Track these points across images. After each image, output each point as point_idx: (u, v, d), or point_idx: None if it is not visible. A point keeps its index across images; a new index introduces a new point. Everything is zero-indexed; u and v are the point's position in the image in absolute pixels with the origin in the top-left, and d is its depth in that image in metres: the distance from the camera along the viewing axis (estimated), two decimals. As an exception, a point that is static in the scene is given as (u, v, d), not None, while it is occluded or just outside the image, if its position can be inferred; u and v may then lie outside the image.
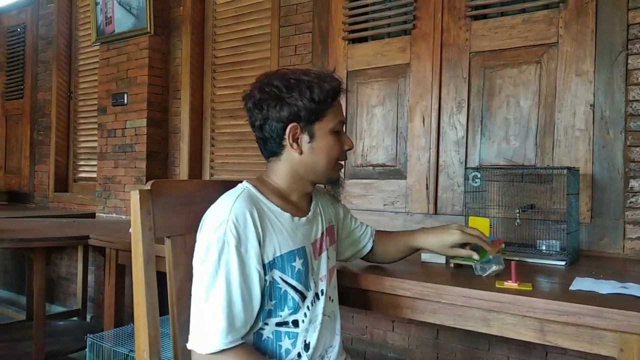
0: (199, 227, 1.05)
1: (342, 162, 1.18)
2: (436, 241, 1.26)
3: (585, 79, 1.84)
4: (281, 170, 1.12)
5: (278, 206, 1.08)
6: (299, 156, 1.10)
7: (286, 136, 1.08)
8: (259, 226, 1.01)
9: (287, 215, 1.08)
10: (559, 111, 1.89)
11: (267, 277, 1.02)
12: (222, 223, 0.98)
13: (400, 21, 2.29)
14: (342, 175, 1.21)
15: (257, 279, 1.00)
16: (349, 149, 1.16)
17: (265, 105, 1.06)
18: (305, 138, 1.09)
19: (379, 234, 1.39)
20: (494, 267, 1.28)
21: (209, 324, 0.95)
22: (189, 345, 0.98)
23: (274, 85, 1.06)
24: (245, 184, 1.10)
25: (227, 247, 0.97)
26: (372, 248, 1.36)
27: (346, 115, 2.43)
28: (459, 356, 2.08)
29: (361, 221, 1.38)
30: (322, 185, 1.24)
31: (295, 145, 1.08)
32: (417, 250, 1.33)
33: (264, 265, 1.01)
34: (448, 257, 1.44)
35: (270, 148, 1.11)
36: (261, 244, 1.01)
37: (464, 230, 1.25)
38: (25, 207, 3.92)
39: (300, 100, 1.05)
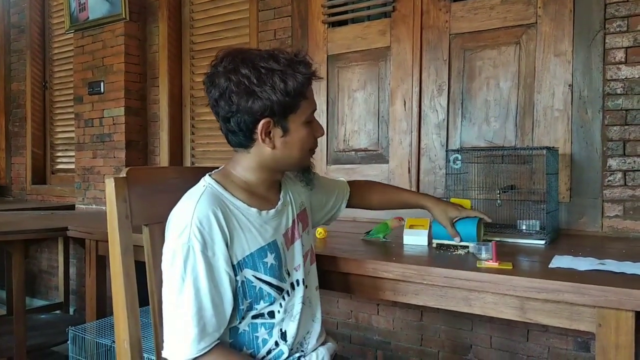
0: (166, 229, 1.01)
1: (314, 150, 1.13)
2: (441, 209, 1.36)
3: (564, 59, 1.84)
4: (249, 163, 1.06)
5: (244, 202, 1.03)
6: (270, 150, 1.02)
7: (257, 131, 0.99)
8: (224, 227, 0.96)
9: (254, 210, 1.03)
10: (538, 92, 1.90)
11: (238, 278, 0.99)
12: (185, 228, 0.94)
13: (379, 3, 2.26)
14: (312, 160, 1.16)
15: (227, 282, 0.96)
16: (321, 136, 1.10)
17: (235, 97, 0.97)
18: (278, 132, 1.01)
19: (367, 188, 1.44)
20: (484, 255, 1.28)
21: (180, 332, 0.93)
22: (164, 354, 0.97)
23: (243, 74, 0.96)
24: (207, 179, 1.04)
25: (192, 252, 0.93)
26: (348, 202, 1.40)
27: (327, 100, 2.41)
28: (443, 337, 2.11)
29: (334, 180, 1.40)
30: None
31: (267, 140, 1.01)
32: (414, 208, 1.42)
33: (233, 266, 0.98)
34: (433, 237, 1.47)
35: (238, 140, 1.03)
36: (228, 245, 0.97)
37: (468, 208, 1.37)
38: (2, 201, 3.83)
39: (274, 94, 0.96)
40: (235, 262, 0.99)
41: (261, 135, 1.00)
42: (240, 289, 1.00)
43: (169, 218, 1.00)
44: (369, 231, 1.63)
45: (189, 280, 0.93)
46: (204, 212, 0.95)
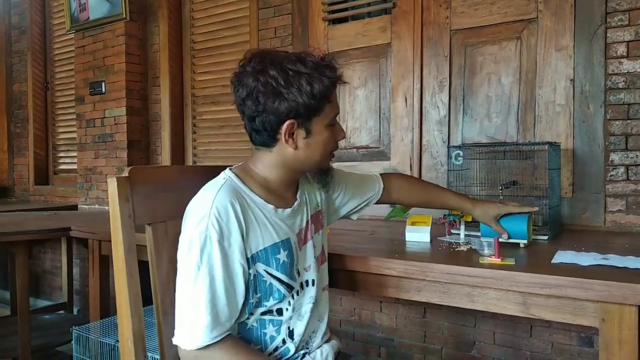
0: (183, 219, 1.02)
1: (334, 152, 1.13)
2: (482, 210, 1.35)
3: (565, 54, 1.84)
4: (270, 162, 1.07)
5: (262, 197, 1.05)
6: (293, 151, 1.04)
7: (282, 131, 1.01)
8: (241, 219, 0.98)
9: (271, 207, 1.05)
10: (540, 87, 1.89)
11: (250, 271, 1.00)
12: (204, 217, 0.96)
13: (380, 0, 2.26)
14: (331, 163, 1.16)
15: (241, 273, 0.98)
16: (342, 139, 1.11)
17: (262, 97, 0.98)
18: (301, 133, 1.03)
19: (407, 184, 1.42)
20: (486, 251, 1.27)
21: (193, 319, 0.94)
22: (175, 340, 0.97)
23: (271, 75, 0.98)
24: (228, 173, 1.06)
25: (209, 241, 0.95)
26: (383, 198, 1.37)
27: (328, 97, 2.40)
28: (446, 333, 2.11)
29: (365, 175, 1.37)
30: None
31: (290, 140, 1.02)
32: (454, 209, 1.43)
33: (247, 259, 0.99)
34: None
35: (262, 139, 1.05)
36: (244, 237, 0.98)
37: (506, 204, 1.36)
38: (5, 202, 3.84)
39: (300, 96, 0.97)
40: (249, 255, 1.00)
41: (285, 135, 1.01)
42: (252, 282, 1.01)
43: (187, 208, 1.02)
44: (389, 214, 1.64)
45: (204, 269, 0.94)
46: (222, 203, 0.97)
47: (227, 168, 1.08)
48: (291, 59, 1.00)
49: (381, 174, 1.39)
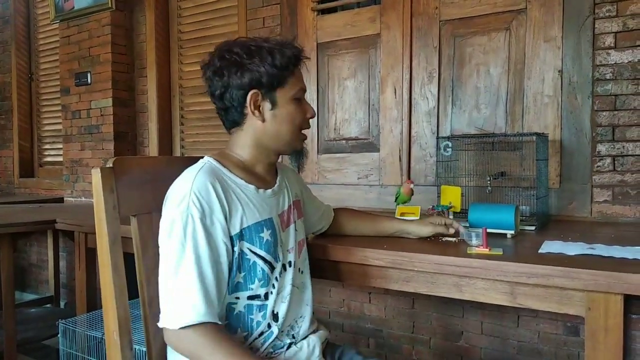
0: (163, 204, 1.02)
1: (306, 132, 1.16)
2: (416, 224, 1.40)
3: (554, 45, 1.84)
4: (244, 141, 1.10)
5: (242, 178, 1.06)
6: (261, 124, 1.08)
7: (247, 104, 1.05)
8: (223, 198, 0.99)
9: (252, 187, 1.07)
10: (528, 78, 1.90)
11: (235, 249, 1.00)
12: (185, 197, 0.96)
13: (369, -10, 2.24)
14: (305, 146, 1.19)
15: (224, 251, 0.98)
16: (312, 117, 1.14)
17: (226, 72, 1.04)
18: (267, 105, 1.07)
19: (349, 213, 1.48)
20: (474, 241, 1.27)
21: (183, 298, 0.92)
22: (161, 324, 0.95)
23: (234, 52, 1.04)
24: (207, 158, 1.07)
25: (191, 220, 0.95)
26: (331, 224, 1.44)
27: (317, 88, 2.39)
28: (435, 324, 2.12)
29: (321, 202, 1.43)
30: (287, 161, 1.25)
31: (257, 112, 1.06)
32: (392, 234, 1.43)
33: (231, 237, 1.00)
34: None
35: (232, 117, 1.09)
36: (227, 216, 0.99)
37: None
38: (-11, 194, 3.79)
39: (261, 65, 1.03)
40: (233, 233, 1.00)
41: (251, 107, 1.05)
42: (236, 260, 1.01)
43: (167, 193, 1.02)
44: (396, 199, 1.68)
45: (189, 247, 0.94)
46: (203, 183, 0.98)
47: (205, 156, 1.10)
48: (256, 39, 1.07)
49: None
